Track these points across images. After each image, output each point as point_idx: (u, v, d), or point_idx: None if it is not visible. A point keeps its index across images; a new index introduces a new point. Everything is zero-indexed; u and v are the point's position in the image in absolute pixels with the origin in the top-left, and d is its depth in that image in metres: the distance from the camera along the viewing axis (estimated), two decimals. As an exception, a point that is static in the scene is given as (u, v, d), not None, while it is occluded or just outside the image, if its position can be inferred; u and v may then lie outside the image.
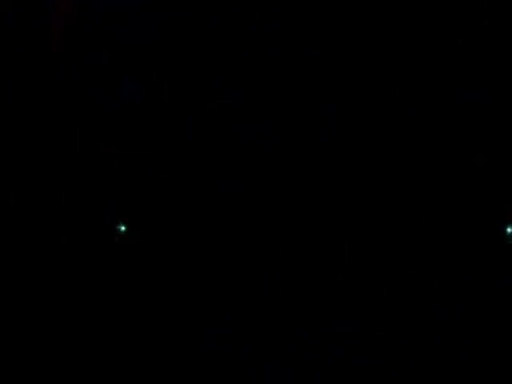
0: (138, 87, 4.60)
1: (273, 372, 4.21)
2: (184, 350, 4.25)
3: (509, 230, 4.36)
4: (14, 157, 4.48)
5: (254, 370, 4.21)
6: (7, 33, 4.53)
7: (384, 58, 4.59)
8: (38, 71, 4.55)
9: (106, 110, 4.57)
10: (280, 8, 4.59)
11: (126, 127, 4.57)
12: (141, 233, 4.47)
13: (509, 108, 4.50)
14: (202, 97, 4.61)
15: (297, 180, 4.55)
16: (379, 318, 4.30)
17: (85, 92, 4.57)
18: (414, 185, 4.51)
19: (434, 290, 4.33)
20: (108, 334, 4.26)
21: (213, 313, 4.33)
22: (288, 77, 4.61)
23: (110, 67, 4.60)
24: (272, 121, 4.60)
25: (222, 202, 4.51)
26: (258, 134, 4.57)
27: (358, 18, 4.59)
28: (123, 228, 4.41)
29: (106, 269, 4.39)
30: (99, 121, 4.56)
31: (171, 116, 4.60)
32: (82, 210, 4.46)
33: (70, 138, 4.53)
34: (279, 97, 4.61)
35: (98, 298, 4.33)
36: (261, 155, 4.56)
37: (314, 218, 4.49)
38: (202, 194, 4.52)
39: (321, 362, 4.21)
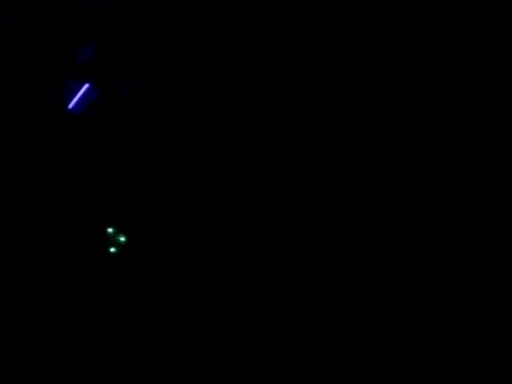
0: (138, 87, 4.61)
1: (273, 372, 4.21)
2: (184, 350, 4.25)
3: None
4: (14, 157, 4.49)
5: (254, 370, 4.21)
6: (7, 33, 4.53)
7: (384, 58, 4.59)
8: (38, 71, 4.55)
9: (105, 109, 4.57)
10: (280, 8, 4.59)
11: (126, 127, 4.57)
12: (141, 233, 4.47)
13: (509, 108, 4.51)
14: (202, 97, 4.61)
15: (297, 180, 4.55)
16: (379, 318, 4.30)
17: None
18: (414, 185, 4.51)
19: (433, 290, 4.33)
20: (108, 334, 4.27)
21: (213, 313, 4.34)
22: (288, 77, 4.62)
23: (109, 67, 4.60)
24: (272, 121, 4.60)
25: (222, 202, 4.51)
26: (258, 134, 4.58)
27: (358, 18, 4.59)
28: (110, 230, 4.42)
29: (106, 268, 4.39)
30: (99, 121, 4.56)
31: (171, 116, 4.60)
32: (81, 209, 4.47)
33: (69, 138, 4.53)
34: (279, 97, 4.61)
35: (98, 297, 4.33)
36: (261, 155, 4.56)
37: (314, 218, 4.49)
38: (202, 193, 4.52)
39: (321, 362, 4.21)
